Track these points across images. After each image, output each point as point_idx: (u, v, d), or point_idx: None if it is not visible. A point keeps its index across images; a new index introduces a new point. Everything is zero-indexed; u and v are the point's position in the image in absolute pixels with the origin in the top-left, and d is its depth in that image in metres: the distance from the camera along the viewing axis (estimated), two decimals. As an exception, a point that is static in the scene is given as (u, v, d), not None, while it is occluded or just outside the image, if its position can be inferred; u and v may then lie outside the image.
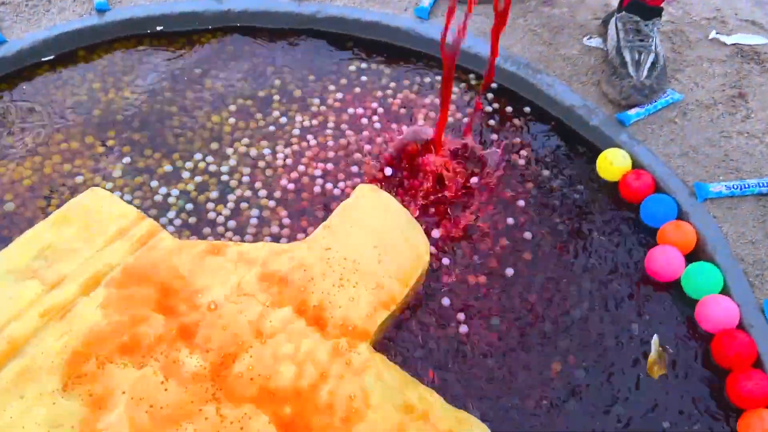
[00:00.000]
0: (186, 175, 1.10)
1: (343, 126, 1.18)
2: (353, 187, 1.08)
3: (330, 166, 1.13)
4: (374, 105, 1.21)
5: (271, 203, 1.08)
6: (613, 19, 1.26)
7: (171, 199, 1.08)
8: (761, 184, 1.06)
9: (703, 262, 0.97)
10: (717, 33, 1.34)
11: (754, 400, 0.83)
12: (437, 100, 1.22)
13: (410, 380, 0.84)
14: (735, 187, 1.06)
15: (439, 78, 1.26)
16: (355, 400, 0.81)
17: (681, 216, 1.03)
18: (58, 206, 1.04)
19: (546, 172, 1.12)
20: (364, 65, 1.28)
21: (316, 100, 1.22)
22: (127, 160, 1.12)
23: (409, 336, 0.93)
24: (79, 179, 1.09)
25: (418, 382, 0.84)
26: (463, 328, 0.94)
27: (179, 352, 0.84)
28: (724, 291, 0.94)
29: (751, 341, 0.88)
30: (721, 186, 1.06)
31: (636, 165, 1.10)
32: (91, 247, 0.93)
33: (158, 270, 0.92)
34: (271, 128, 1.17)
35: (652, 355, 0.92)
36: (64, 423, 0.78)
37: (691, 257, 0.99)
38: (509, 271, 0.99)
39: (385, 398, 0.81)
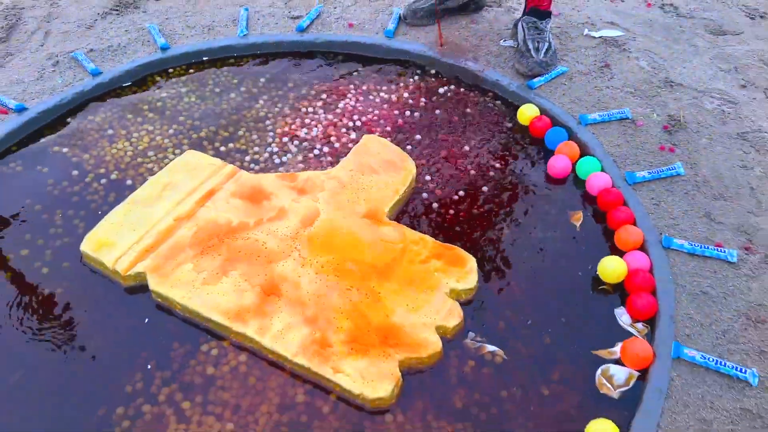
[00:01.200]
0: (255, 148, 1.62)
1: (340, 104, 1.73)
2: (349, 141, 1.60)
3: (336, 129, 1.66)
4: (359, 93, 1.77)
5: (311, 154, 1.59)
6: (520, 22, 1.86)
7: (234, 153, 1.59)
8: (621, 112, 1.64)
9: (588, 156, 1.52)
10: (588, 31, 1.96)
11: (621, 222, 1.37)
12: (400, 88, 1.78)
13: (412, 231, 1.35)
14: (605, 115, 1.64)
15: (401, 76, 1.84)
16: (385, 243, 1.31)
17: (571, 137, 1.60)
18: (152, 171, 1.53)
19: (487, 124, 1.68)
20: (351, 70, 1.84)
21: (323, 95, 1.76)
22: (203, 143, 1.63)
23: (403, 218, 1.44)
24: (152, 154, 1.58)
25: (416, 232, 1.35)
26: (435, 206, 1.46)
27: (269, 229, 1.33)
28: (602, 170, 1.50)
29: (619, 193, 1.43)
30: (596, 115, 1.64)
31: (541, 111, 1.67)
32: (197, 181, 1.43)
33: (246, 189, 1.42)
34: (292, 114, 1.71)
35: (576, 215, 1.44)
36: (207, 269, 1.25)
37: (580, 158, 1.55)
38: (470, 175, 1.53)
39: (398, 235, 1.32)
